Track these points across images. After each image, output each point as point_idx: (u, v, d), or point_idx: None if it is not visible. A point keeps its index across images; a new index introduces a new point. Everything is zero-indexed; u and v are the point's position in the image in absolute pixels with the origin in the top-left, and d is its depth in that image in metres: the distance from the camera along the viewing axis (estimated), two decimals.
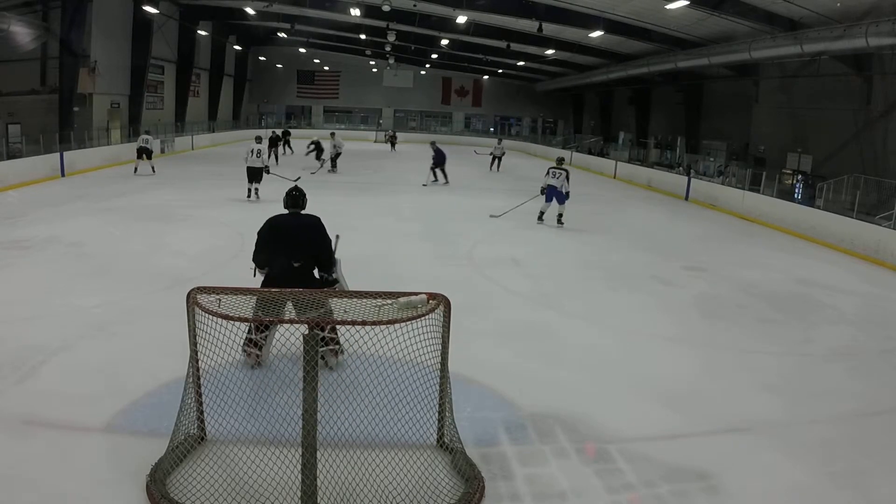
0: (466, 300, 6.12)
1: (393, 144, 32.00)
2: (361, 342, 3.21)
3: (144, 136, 17.74)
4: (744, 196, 15.36)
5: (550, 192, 11.93)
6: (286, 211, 4.94)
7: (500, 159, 23.61)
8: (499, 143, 24.43)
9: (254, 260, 4.87)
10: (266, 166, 13.45)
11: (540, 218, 12.21)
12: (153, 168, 17.48)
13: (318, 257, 4.79)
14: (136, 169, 17.25)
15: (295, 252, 4.66)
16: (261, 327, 4.46)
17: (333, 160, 20.20)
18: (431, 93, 42.86)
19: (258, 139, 13.98)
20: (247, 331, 4.52)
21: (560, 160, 12.74)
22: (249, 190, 13.38)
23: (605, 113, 35.14)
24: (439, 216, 12.94)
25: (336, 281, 4.90)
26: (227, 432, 3.67)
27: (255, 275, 4.93)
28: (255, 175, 13.26)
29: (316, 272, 4.87)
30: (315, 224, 4.80)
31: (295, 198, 4.92)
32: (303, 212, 4.97)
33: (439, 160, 18.08)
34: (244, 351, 4.54)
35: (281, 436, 3.54)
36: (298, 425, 3.16)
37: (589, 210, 15.09)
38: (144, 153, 17.23)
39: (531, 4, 19.71)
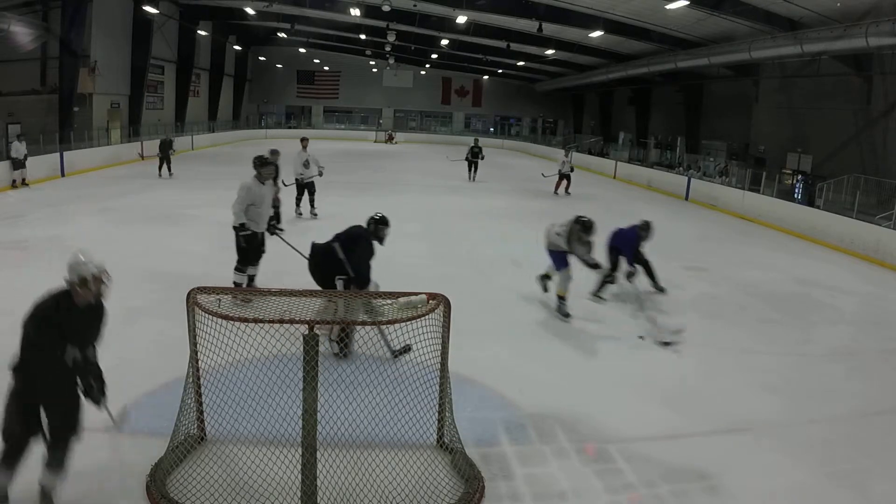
0: (466, 300, 6.11)
1: (390, 140, 37.77)
2: (361, 342, 3.21)
3: (12, 144, 13.85)
4: (744, 196, 15.36)
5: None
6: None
7: (569, 179, 17.24)
8: (566, 156, 17.76)
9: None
10: None
11: None
12: (17, 181, 13.78)
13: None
14: (13, 182, 13.83)
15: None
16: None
17: (308, 188, 11.80)
18: (431, 93, 42.85)
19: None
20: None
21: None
22: None
23: (605, 113, 35.12)
24: (439, 216, 12.93)
25: None
26: (227, 432, 3.67)
27: None
28: None
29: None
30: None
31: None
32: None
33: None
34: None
35: (281, 436, 3.54)
36: (298, 425, 3.16)
37: (589, 210, 15.06)
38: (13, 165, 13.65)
39: (531, 4, 19.71)
